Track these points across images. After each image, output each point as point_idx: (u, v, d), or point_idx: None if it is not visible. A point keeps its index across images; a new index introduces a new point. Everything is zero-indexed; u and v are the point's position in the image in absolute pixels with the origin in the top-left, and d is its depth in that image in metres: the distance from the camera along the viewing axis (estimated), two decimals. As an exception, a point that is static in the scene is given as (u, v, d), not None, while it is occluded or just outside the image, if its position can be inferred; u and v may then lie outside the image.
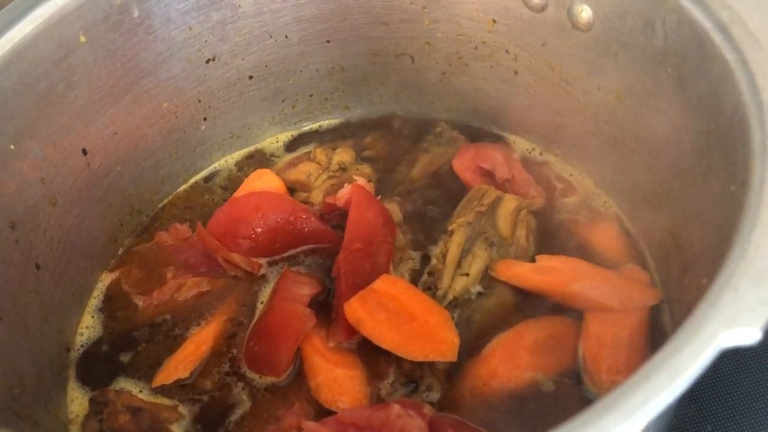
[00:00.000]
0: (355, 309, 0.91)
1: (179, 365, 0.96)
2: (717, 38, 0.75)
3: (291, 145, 1.27)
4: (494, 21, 1.07)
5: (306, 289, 1.00)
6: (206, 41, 1.09)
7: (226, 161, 1.25)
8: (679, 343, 0.51)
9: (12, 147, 0.89)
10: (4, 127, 0.88)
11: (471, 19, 1.08)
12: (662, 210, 0.94)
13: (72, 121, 0.98)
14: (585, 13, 0.95)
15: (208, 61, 1.11)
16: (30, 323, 0.92)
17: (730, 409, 1.02)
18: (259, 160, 1.24)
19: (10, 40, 0.88)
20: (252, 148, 1.26)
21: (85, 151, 1.01)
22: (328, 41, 1.16)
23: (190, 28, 1.06)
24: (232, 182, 1.21)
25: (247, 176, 1.18)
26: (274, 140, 1.27)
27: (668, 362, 0.50)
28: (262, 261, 1.07)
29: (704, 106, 0.79)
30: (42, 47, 0.90)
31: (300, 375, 0.94)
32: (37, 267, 0.95)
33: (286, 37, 1.14)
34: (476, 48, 1.12)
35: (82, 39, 0.95)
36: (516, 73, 1.11)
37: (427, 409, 0.86)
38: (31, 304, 0.93)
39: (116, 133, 1.05)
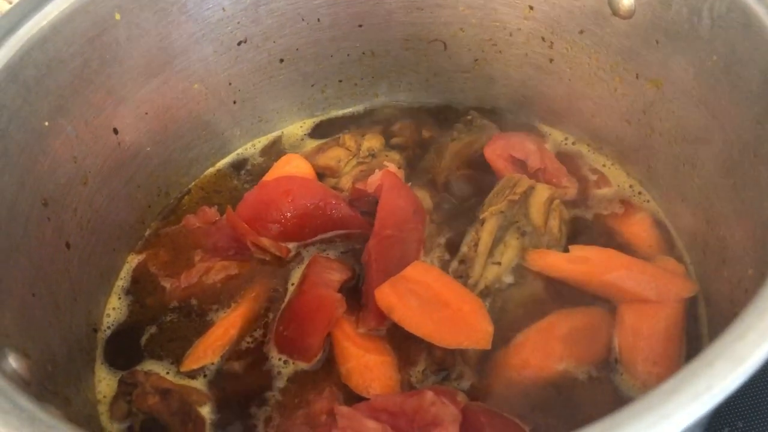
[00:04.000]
0: (386, 295, 0.91)
1: (207, 350, 0.96)
2: (770, 24, 0.73)
3: (319, 131, 1.26)
4: (531, 7, 1.05)
5: (336, 275, 0.99)
6: (239, 23, 1.08)
7: (254, 145, 1.24)
8: (743, 329, 0.50)
9: (46, 124, 0.88)
10: (39, 103, 0.87)
11: (507, 5, 1.07)
12: (701, 201, 0.93)
13: (104, 100, 0.97)
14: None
15: (239, 43, 1.10)
16: (60, 302, 0.91)
17: (762, 405, 1.01)
18: (287, 144, 1.23)
19: (47, 16, 0.87)
20: (280, 132, 1.25)
21: (116, 131, 1.01)
22: (360, 25, 1.15)
23: (224, 9, 1.05)
24: (261, 166, 1.20)
25: (275, 161, 1.17)
26: (302, 125, 1.26)
27: (732, 348, 0.49)
28: (291, 246, 1.06)
29: (754, 94, 0.77)
30: (78, 24, 0.90)
31: (330, 360, 0.93)
32: (68, 246, 0.94)
33: (319, 20, 1.13)
34: (511, 35, 1.11)
35: (117, 17, 0.94)
36: (551, 60, 1.10)
37: (461, 397, 0.85)
38: (62, 283, 0.92)
39: (147, 114, 1.05)
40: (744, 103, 0.80)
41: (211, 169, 1.21)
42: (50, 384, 0.78)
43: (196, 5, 1.02)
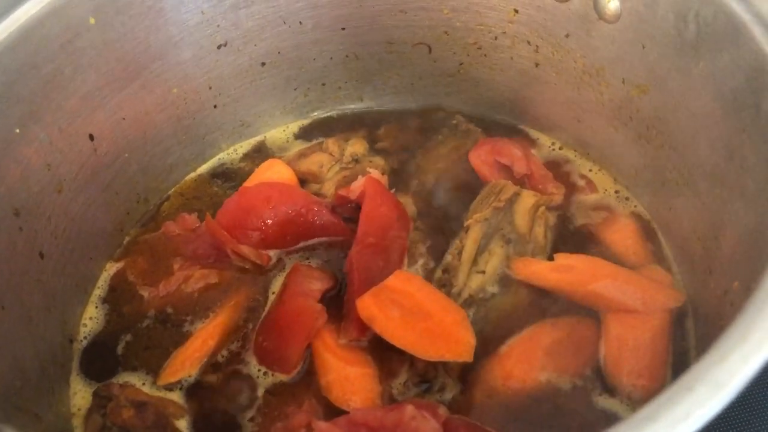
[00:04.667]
0: (368, 305, 0.89)
1: (185, 362, 0.94)
2: (756, 31, 0.72)
3: (302, 135, 1.24)
4: (516, 11, 1.04)
5: (317, 284, 0.97)
6: (218, 26, 1.06)
7: (235, 150, 1.22)
8: (724, 351, 0.48)
9: (17, 131, 0.86)
10: (9, 110, 0.85)
11: (492, 9, 1.05)
12: (688, 210, 0.91)
13: (79, 106, 0.95)
14: (612, 4, 0.92)
15: (219, 47, 1.08)
16: (33, 314, 0.89)
17: (753, 415, 0.99)
18: (269, 149, 1.21)
19: (17, 21, 0.85)
20: (262, 137, 1.23)
21: (91, 137, 0.99)
22: (343, 28, 1.13)
23: (203, 12, 1.03)
24: (242, 171, 1.18)
25: (256, 166, 1.15)
26: (284, 129, 1.24)
27: (712, 372, 0.47)
28: (272, 253, 1.04)
29: (739, 101, 0.76)
30: (49, 28, 0.88)
31: (310, 372, 0.91)
32: (41, 255, 0.92)
33: (301, 23, 1.11)
34: (496, 38, 1.09)
35: (92, 21, 0.92)
36: (537, 65, 1.08)
37: (442, 411, 0.83)
38: (34, 294, 0.90)
39: (124, 119, 1.03)
40: (730, 111, 0.78)
41: (192, 175, 1.19)
42: (18, 400, 0.76)
43: (173, 8, 1.00)
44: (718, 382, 0.47)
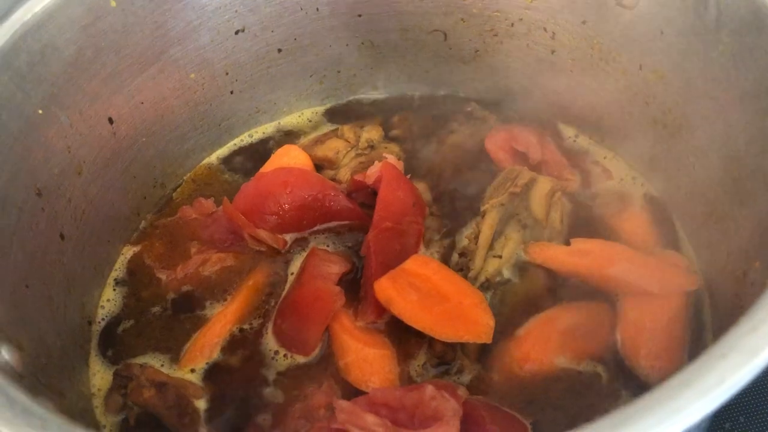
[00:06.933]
0: (385, 288, 0.89)
1: (204, 348, 0.94)
2: (779, 12, 0.72)
3: (318, 122, 1.24)
4: (533, -3, 1.04)
5: (335, 268, 0.97)
6: (236, 11, 1.06)
7: (250, 135, 1.22)
8: (758, 320, 0.49)
9: (40, 112, 0.87)
10: (32, 90, 0.86)
11: (508, -5, 1.06)
12: (705, 193, 0.92)
13: (99, 89, 0.96)
14: (631, -11, 0.92)
15: (237, 32, 1.08)
16: (54, 294, 0.90)
17: (764, 400, 1.00)
18: (284, 135, 1.22)
19: (41, 1, 0.86)
20: (277, 122, 1.24)
21: (111, 120, 0.99)
22: (359, 15, 1.13)
23: (221, -3, 1.04)
24: (257, 158, 1.18)
25: (273, 152, 1.15)
26: (300, 115, 1.25)
27: (747, 339, 0.48)
28: (288, 237, 1.04)
29: (761, 86, 0.76)
30: (72, 10, 0.88)
31: (328, 354, 0.92)
32: (62, 237, 0.93)
33: (318, 9, 1.11)
34: (512, 25, 1.09)
35: (113, 4, 0.92)
36: (553, 52, 1.08)
37: (461, 391, 0.84)
38: (55, 275, 0.91)
39: (143, 103, 1.03)
40: (750, 95, 0.78)
41: (207, 160, 1.19)
42: (44, 377, 0.77)
43: (193, -8, 1.01)
44: (753, 348, 0.47)
